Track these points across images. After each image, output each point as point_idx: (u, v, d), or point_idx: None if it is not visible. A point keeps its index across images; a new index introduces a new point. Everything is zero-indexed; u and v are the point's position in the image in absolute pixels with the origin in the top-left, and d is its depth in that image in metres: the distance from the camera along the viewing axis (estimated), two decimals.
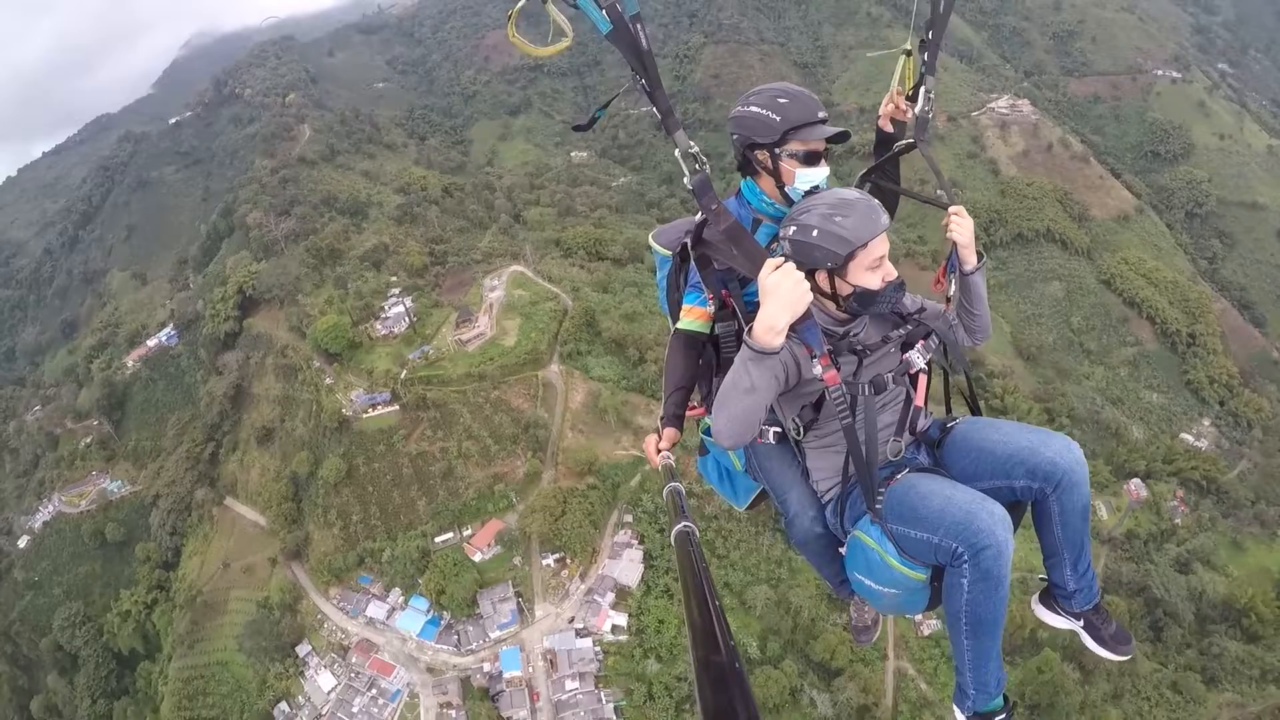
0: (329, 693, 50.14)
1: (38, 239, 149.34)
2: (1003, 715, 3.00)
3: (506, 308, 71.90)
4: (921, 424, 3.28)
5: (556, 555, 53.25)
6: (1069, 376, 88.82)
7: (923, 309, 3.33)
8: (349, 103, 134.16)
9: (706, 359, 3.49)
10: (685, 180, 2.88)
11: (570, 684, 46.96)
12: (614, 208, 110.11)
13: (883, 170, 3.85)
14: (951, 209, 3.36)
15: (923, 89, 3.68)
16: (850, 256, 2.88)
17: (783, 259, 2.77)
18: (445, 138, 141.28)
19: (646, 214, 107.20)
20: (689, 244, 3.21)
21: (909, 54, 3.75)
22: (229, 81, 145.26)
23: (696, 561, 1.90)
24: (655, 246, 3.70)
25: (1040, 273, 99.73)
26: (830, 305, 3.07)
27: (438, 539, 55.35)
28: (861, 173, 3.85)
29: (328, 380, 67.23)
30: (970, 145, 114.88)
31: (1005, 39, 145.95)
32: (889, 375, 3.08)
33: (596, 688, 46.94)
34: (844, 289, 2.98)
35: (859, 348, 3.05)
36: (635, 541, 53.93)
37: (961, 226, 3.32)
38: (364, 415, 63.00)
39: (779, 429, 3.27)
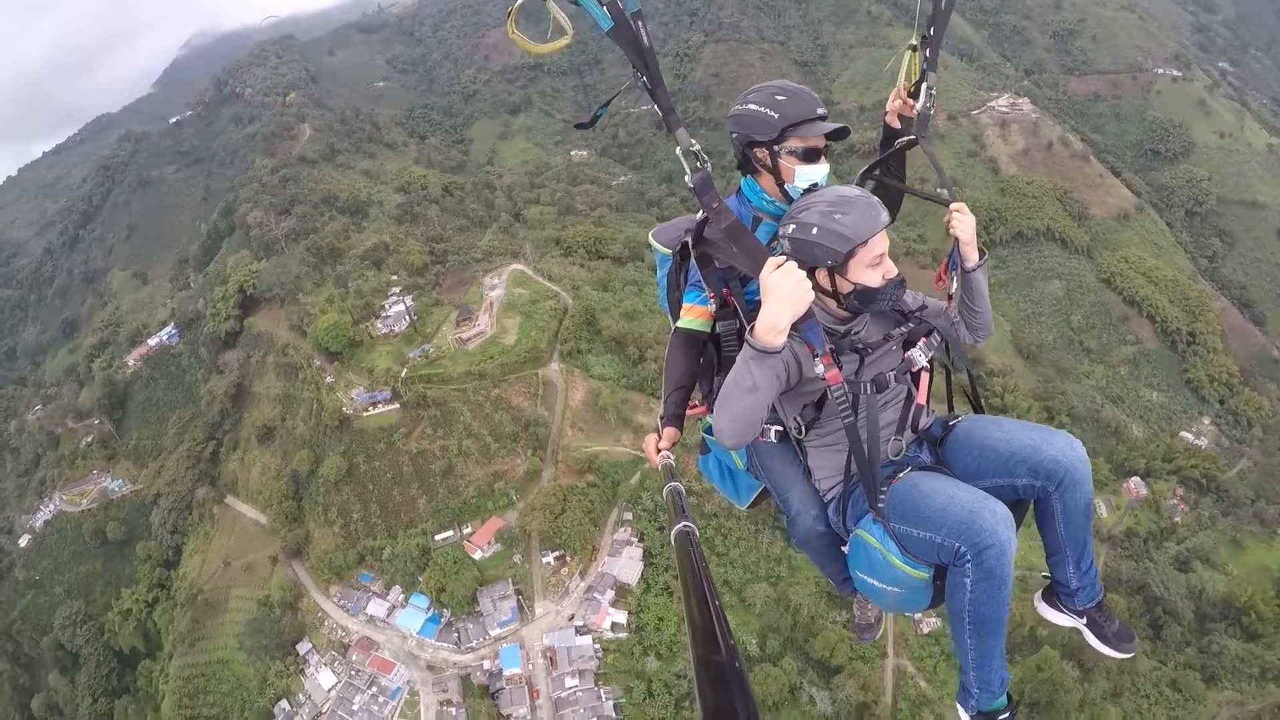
0: (329, 690, 50.23)
1: (38, 239, 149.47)
2: (1006, 714, 3.00)
3: (507, 306, 71.96)
4: (924, 422, 3.27)
5: (556, 553, 53.32)
6: (1069, 375, 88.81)
7: (924, 306, 3.32)
8: (349, 102, 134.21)
9: (707, 358, 3.48)
10: (686, 178, 2.86)
11: (570, 681, 47.05)
12: (614, 206, 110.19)
13: (888, 168, 3.84)
14: (953, 205, 3.35)
15: (924, 85, 3.68)
16: (850, 254, 2.87)
17: (784, 257, 2.77)
18: (445, 137, 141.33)
19: (646, 213, 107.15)
20: (690, 242, 3.20)
21: (914, 49, 3.74)
22: (229, 81, 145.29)
23: (697, 561, 1.90)
24: (655, 245, 3.69)
25: (1040, 271, 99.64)
26: (831, 303, 3.06)
27: (438, 537, 55.44)
28: (862, 170, 3.83)
29: (328, 379, 67.29)
30: (970, 144, 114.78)
31: (1005, 37, 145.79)
32: (891, 373, 3.08)
33: (596, 685, 47.02)
34: (844, 287, 2.97)
35: (861, 346, 3.04)
36: (635, 539, 54.00)
37: (963, 223, 3.31)
38: (364, 414, 63.08)
39: (781, 428, 3.26)
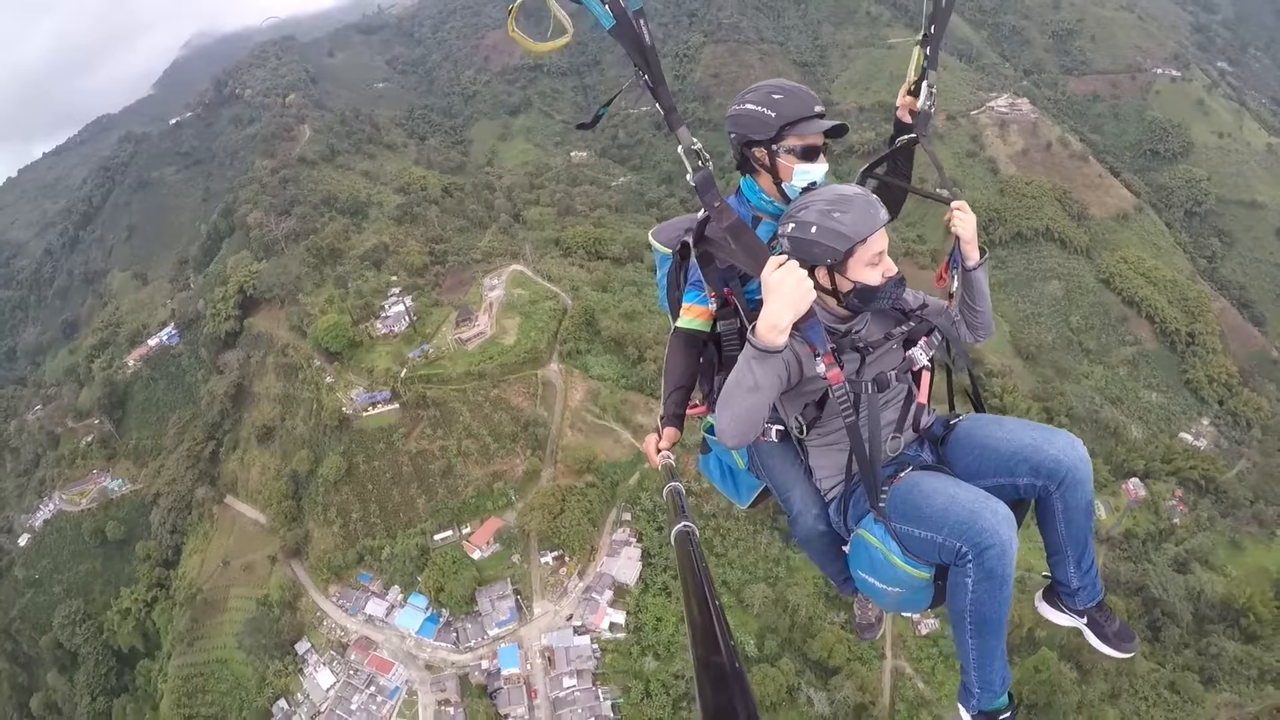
0: (328, 690, 50.22)
1: (38, 239, 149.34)
2: (1008, 714, 3.00)
3: (506, 307, 71.96)
4: (925, 421, 3.26)
5: (555, 553, 53.32)
6: (1068, 375, 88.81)
7: (924, 305, 3.32)
8: (349, 103, 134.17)
9: (708, 357, 3.48)
10: (688, 176, 2.87)
11: (568, 681, 47.05)
12: (613, 207, 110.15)
13: (895, 165, 3.84)
14: (954, 204, 3.35)
15: (924, 84, 3.68)
16: (850, 252, 2.87)
17: (785, 256, 2.76)
18: (445, 138, 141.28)
19: (646, 213, 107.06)
20: (690, 241, 3.20)
21: (920, 44, 3.75)
22: (229, 82, 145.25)
23: (696, 561, 1.90)
24: (655, 244, 3.69)
25: (1039, 272, 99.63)
26: (831, 302, 3.06)
27: (437, 537, 55.44)
28: (863, 168, 3.83)
29: (328, 379, 67.29)
30: (969, 144, 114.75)
31: (1004, 38, 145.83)
32: (892, 372, 3.07)
33: (594, 685, 47.02)
34: (844, 285, 2.97)
35: (861, 345, 3.04)
36: (633, 539, 54.01)
37: (964, 221, 3.31)
38: (364, 414, 63.07)
39: (782, 427, 3.26)
